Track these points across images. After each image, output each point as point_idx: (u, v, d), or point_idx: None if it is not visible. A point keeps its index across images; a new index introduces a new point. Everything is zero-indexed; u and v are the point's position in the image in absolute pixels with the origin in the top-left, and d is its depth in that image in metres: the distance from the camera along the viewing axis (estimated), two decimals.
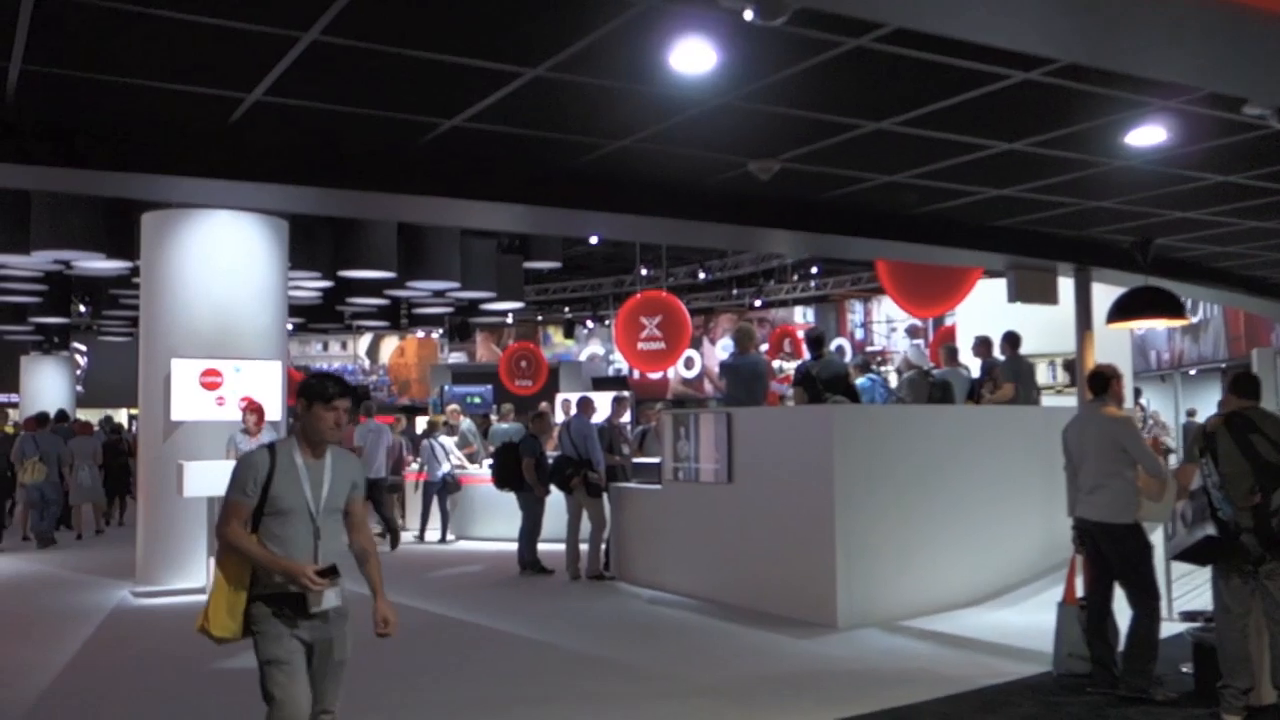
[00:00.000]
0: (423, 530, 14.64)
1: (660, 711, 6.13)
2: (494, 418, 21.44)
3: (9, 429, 16.11)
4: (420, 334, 33.70)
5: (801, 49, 4.88)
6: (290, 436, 4.04)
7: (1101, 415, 6.26)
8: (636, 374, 33.90)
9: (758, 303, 30.68)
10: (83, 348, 28.86)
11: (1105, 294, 10.38)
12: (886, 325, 29.99)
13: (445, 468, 14.37)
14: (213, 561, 9.61)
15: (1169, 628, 6.50)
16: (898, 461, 8.41)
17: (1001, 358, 10.75)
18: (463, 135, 6.19)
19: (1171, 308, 8.32)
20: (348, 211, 10.08)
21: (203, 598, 9.64)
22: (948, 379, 11.10)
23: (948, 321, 25.80)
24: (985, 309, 14.25)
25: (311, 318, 23.75)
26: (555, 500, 11.11)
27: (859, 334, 30.48)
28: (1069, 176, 7.38)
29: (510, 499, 11.56)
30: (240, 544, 3.87)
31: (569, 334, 33.26)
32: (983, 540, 9.01)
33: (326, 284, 18.08)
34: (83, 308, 24.51)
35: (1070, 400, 13.13)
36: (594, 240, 22.26)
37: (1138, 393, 13.62)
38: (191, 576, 10.22)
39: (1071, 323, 12.13)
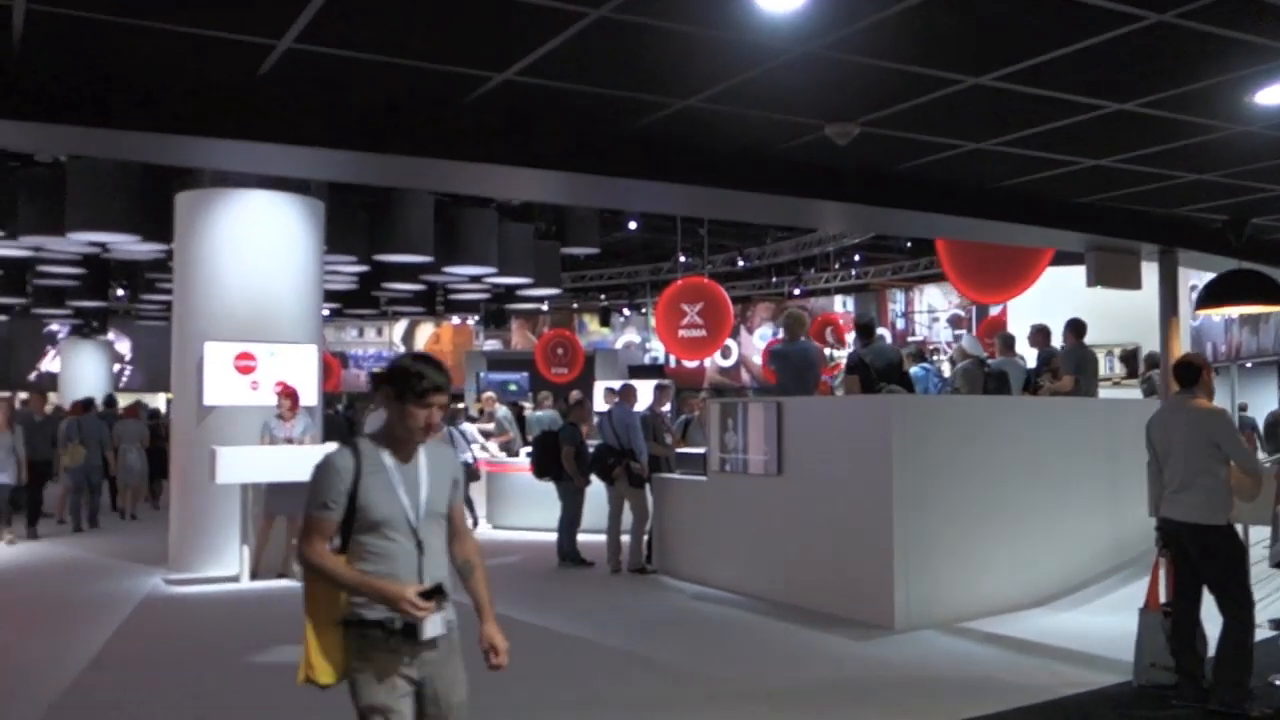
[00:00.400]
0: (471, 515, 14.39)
1: (711, 718, 5.79)
2: (528, 406, 21.21)
3: (46, 412, 15.93)
4: (456, 321, 33.54)
5: None
6: (370, 433, 3.32)
7: (1191, 407, 5.81)
8: (673, 362, 33.62)
9: (796, 291, 30.27)
10: (124, 341, 28.93)
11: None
12: (928, 315, 29.46)
13: (466, 456, 14.18)
14: (247, 550, 9.51)
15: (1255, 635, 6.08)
16: (958, 454, 8.00)
17: (1062, 347, 10.26)
18: (513, 92, 5.73)
19: (1269, 293, 7.81)
20: (386, 179, 9.29)
21: (235, 586, 9.59)
22: (1004, 369, 10.65)
23: (993, 311, 25.33)
24: (1038, 298, 13.82)
25: (347, 303, 23.61)
26: (595, 490, 10.79)
27: (900, 324, 29.96)
28: (1177, 144, 6.81)
29: (547, 488, 11.24)
30: (325, 567, 3.18)
31: (605, 322, 32.99)
32: (1045, 538, 8.59)
33: (362, 268, 17.88)
34: (120, 291, 24.57)
35: (1129, 393, 12.67)
36: (633, 225, 21.96)
37: None
38: (224, 564, 10.00)
39: (1132, 311, 11.66)
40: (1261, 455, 13.27)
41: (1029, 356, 11.16)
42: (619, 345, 33.55)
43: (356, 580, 3.15)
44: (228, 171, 11.27)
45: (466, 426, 14.91)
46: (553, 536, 11.43)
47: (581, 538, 10.91)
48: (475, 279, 19.44)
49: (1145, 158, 7.16)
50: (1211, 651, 5.67)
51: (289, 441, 9.85)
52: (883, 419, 7.74)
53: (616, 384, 20.96)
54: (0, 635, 7.89)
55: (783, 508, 8.56)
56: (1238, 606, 5.56)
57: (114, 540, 13.01)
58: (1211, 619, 5.70)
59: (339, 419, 17.95)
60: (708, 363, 31.67)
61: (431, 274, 18.95)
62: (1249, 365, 19.92)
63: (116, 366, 28.02)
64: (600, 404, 21.22)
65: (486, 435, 16.09)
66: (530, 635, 7.80)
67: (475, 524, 14.25)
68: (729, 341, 29.45)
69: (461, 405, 22.40)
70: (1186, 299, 16.08)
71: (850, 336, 23.06)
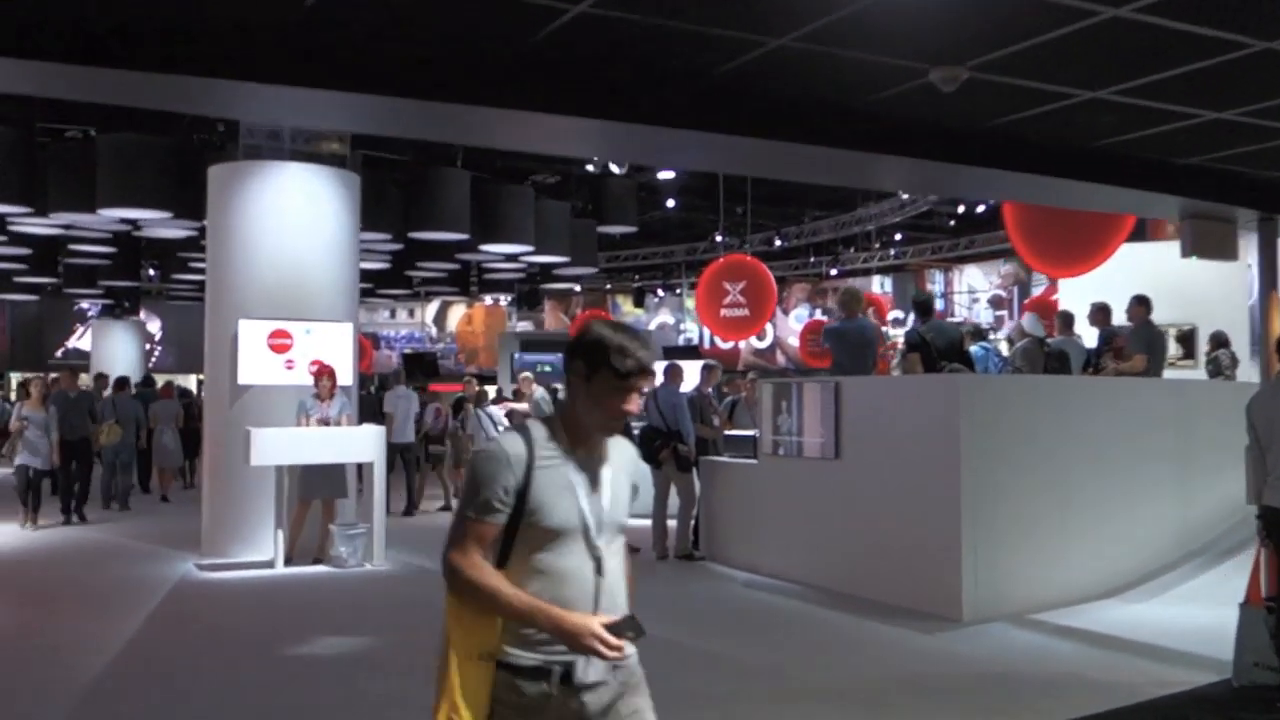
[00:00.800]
0: None
1: (774, 717, 5.43)
2: (560, 387, 20.89)
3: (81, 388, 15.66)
4: (489, 301, 33.27)
5: None
6: (540, 419, 2.62)
7: None
8: (707, 344, 33.20)
9: (834, 271, 29.75)
10: (154, 321, 28.87)
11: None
12: (968, 295, 28.87)
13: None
14: (281, 535, 9.23)
15: None
16: (1026, 437, 7.57)
17: (1130, 325, 9.77)
18: (586, 28, 5.15)
19: None
20: (440, 131, 8.26)
21: (269, 572, 9.32)
22: (1064, 348, 10.23)
23: (1035, 291, 24.73)
24: (1089, 276, 13.32)
25: (379, 283, 23.38)
26: None
27: (939, 304, 29.40)
28: None
29: None
30: (484, 585, 2.43)
31: (639, 302, 32.60)
32: (1116, 526, 8.14)
33: (396, 246, 17.59)
34: (152, 271, 24.45)
35: (1187, 374, 12.15)
36: (671, 203, 21.54)
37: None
38: (258, 549, 9.73)
39: (1189, 291, 11.11)
40: None
41: (1086, 336, 10.73)
42: (653, 326, 33.14)
43: (525, 606, 2.41)
44: (261, 145, 11.00)
45: (493, 409, 14.67)
46: None
47: None
48: (511, 258, 19.13)
49: (1272, 110, 6.52)
50: None
51: (325, 422, 9.56)
52: (950, 400, 7.32)
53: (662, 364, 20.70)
54: (31, 621, 7.66)
55: (841, 492, 8.17)
56: None
57: (145, 523, 12.79)
58: None
59: (372, 400, 17.70)
60: (742, 344, 31.25)
61: (467, 253, 18.65)
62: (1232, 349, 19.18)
63: (146, 347, 27.94)
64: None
65: (523, 416, 15.80)
66: None
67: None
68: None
69: (496, 387, 22.16)
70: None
71: (892, 316, 22.61)
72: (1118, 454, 8.21)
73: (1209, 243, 8.41)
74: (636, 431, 10.40)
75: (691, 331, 33.77)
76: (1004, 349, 11.63)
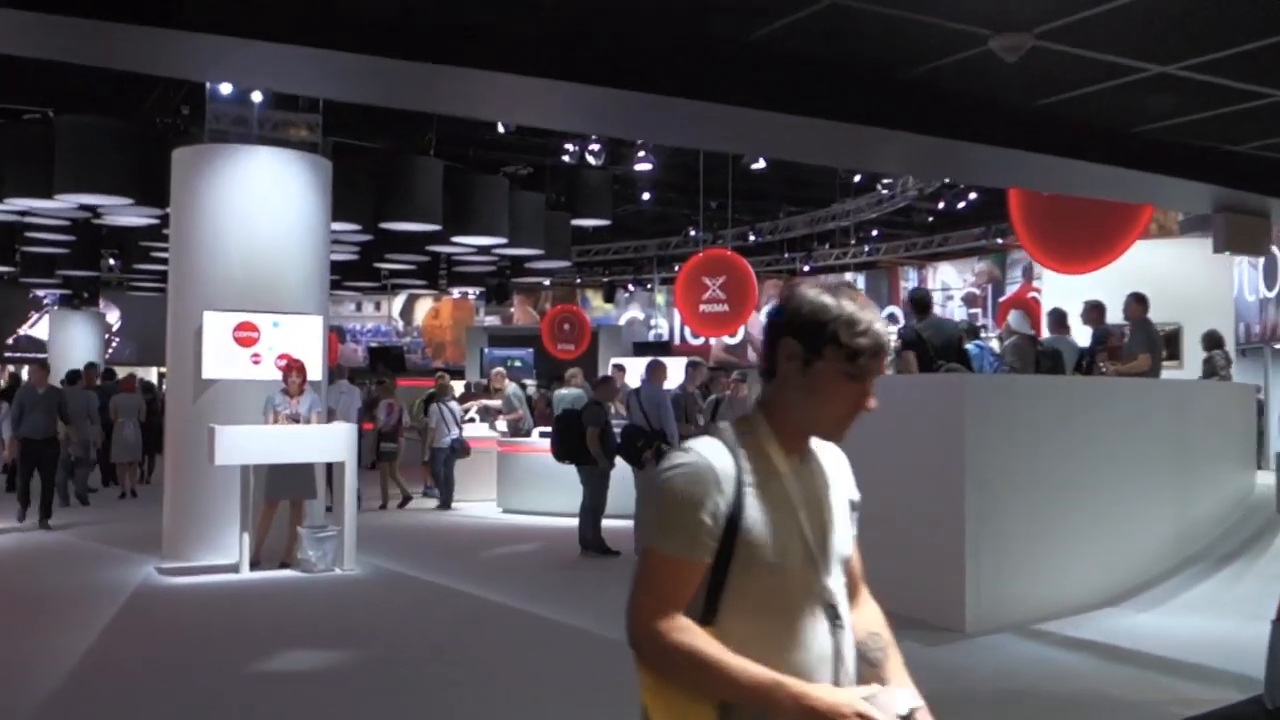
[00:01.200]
0: (446, 497, 14.04)
1: None
2: (530, 383, 20.50)
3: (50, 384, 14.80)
4: (456, 295, 32.79)
5: None
6: (738, 420, 1.96)
7: None
8: (678, 339, 32.89)
9: (806, 268, 29.53)
10: (112, 311, 28.14)
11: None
12: (942, 293, 28.73)
13: (454, 433, 13.86)
14: (247, 538, 8.79)
15: None
16: (1031, 439, 7.29)
17: (1128, 323, 9.54)
18: None
19: None
20: (422, 98, 7.32)
21: (233, 577, 8.88)
22: (1057, 347, 9.99)
23: (1009, 290, 24.67)
24: (1068, 276, 13.13)
25: (346, 275, 22.86)
26: (619, 473, 10.10)
27: None
28: None
29: (561, 470, 10.55)
30: (704, 657, 1.78)
31: (609, 298, 32.27)
32: (1118, 531, 7.89)
33: (365, 238, 17.12)
34: (112, 261, 23.77)
35: (1173, 374, 11.96)
36: (646, 196, 21.19)
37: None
38: (222, 552, 9.28)
39: (1170, 291, 10.86)
40: None
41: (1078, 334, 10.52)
42: (622, 322, 32.80)
43: (760, 682, 1.74)
44: (228, 130, 10.54)
45: (453, 404, 14.36)
46: (568, 521, 10.81)
47: (604, 523, 10.21)
48: (483, 250, 18.72)
49: None
50: None
51: (294, 420, 9.12)
52: (954, 400, 7.02)
53: (623, 360, 20.39)
54: None
55: None
56: None
57: (105, 522, 12.26)
58: None
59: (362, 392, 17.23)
60: (713, 340, 30.97)
61: (438, 244, 18.23)
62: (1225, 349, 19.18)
63: (104, 337, 27.23)
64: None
65: (495, 412, 15.43)
66: (559, 636, 7.12)
67: (448, 505, 13.85)
68: None
69: (465, 382, 21.73)
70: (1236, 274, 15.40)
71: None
72: (1120, 457, 7.96)
73: (1243, 237, 8.15)
74: (617, 430, 10.08)
75: (662, 327, 33.47)
76: (995, 347, 11.39)
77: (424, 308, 34.32)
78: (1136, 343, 9.12)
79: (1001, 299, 24.66)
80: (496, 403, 15.32)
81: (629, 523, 9.92)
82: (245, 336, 9.56)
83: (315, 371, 9.65)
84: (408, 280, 26.61)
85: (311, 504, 9.47)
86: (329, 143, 12.13)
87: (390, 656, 6.51)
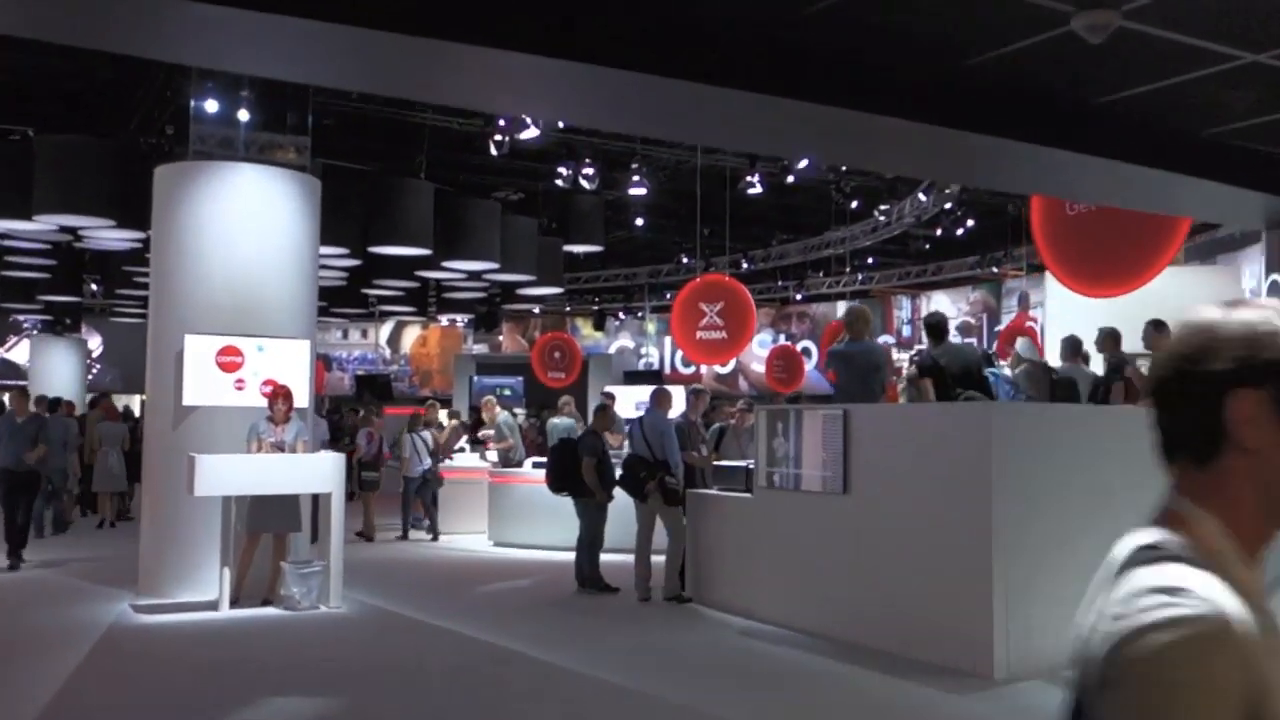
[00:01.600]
0: (404, 528, 13.76)
1: None
2: (520, 412, 20.04)
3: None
4: (445, 322, 32.39)
5: None
6: (1168, 519, 1.33)
7: None
8: (669, 368, 32.52)
9: (798, 296, 29.24)
10: (94, 337, 27.60)
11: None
12: None
13: (426, 463, 13.65)
14: (227, 573, 8.30)
15: None
16: (1062, 473, 6.90)
17: (1135, 354, 9.19)
18: None
19: None
20: (427, 86, 6.56)
21: (212, 615, 8.40)
22: (1072, 375, 9.64)
23: (1005, 320, 24.41)
24: (1060, 304, 12.80)
25: (333, 301, 22.43)
26: (616, 506, 9.70)
27: (905, 331, 28.98)
28: None
29: (555, 501, 10.13)
30: None
31: (599, 325, 31.95)
32: None
33: (353, 262, 16.72)
34: (94, 286, 23.27)
35: None
36: (640, 222, 20.85)
37: None
38: (201, 588, 8.81)
39: (1173, 320, 10.50)
40: None
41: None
42: (612, 350, 32.42)
43: None
44: (213, 151, 10.15)
45: (426, 434, 14.06)
46: (561, 555, 10.40)
47: (602, 557, 9.78)
48: (474, 275, 18.33)
49: None
50: None
51: (279, 449, 8.69)
52: (981, 430, 6.64)
53: (614, 389, 20.01)
54: None
55: (849, 531, 7.46)
56: None
57: (80, 554, 11.74)
58: None
59: (331, 421, 16.87)
60: (704, 369, 30.62)
61: (428, 269, 17.83)
62: None
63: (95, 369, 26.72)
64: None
65: (483, 442, 15.02)
66: (558, 682, 6.67)
67: (435, 536, 13.65)
68: None
69: (452, 409, 21.27)
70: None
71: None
72: (1150, 491, 7.56)
73: None
74: (620, 460, 9.68)
75: (652, 356, 33.11)
76: (1008, 374, 11.05)
77: (411, 335, 33.89)
78: None
79: (998, 328, 24.43)
80: (490, 432, 14.91)
81: (628, 557, 9.57)
82: (228, 361, 9.14)
83: (302, 398, 9.22)
84: (395, 307, 26.19)
85: (296, 538, 9.02)
86: (317, 164, 11.77)
87: (379, 703, 6.07)
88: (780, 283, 28.10)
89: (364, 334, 33.64)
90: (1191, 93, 5.80)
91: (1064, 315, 12.18)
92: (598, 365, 28.31)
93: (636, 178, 16.28)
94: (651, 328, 32.92)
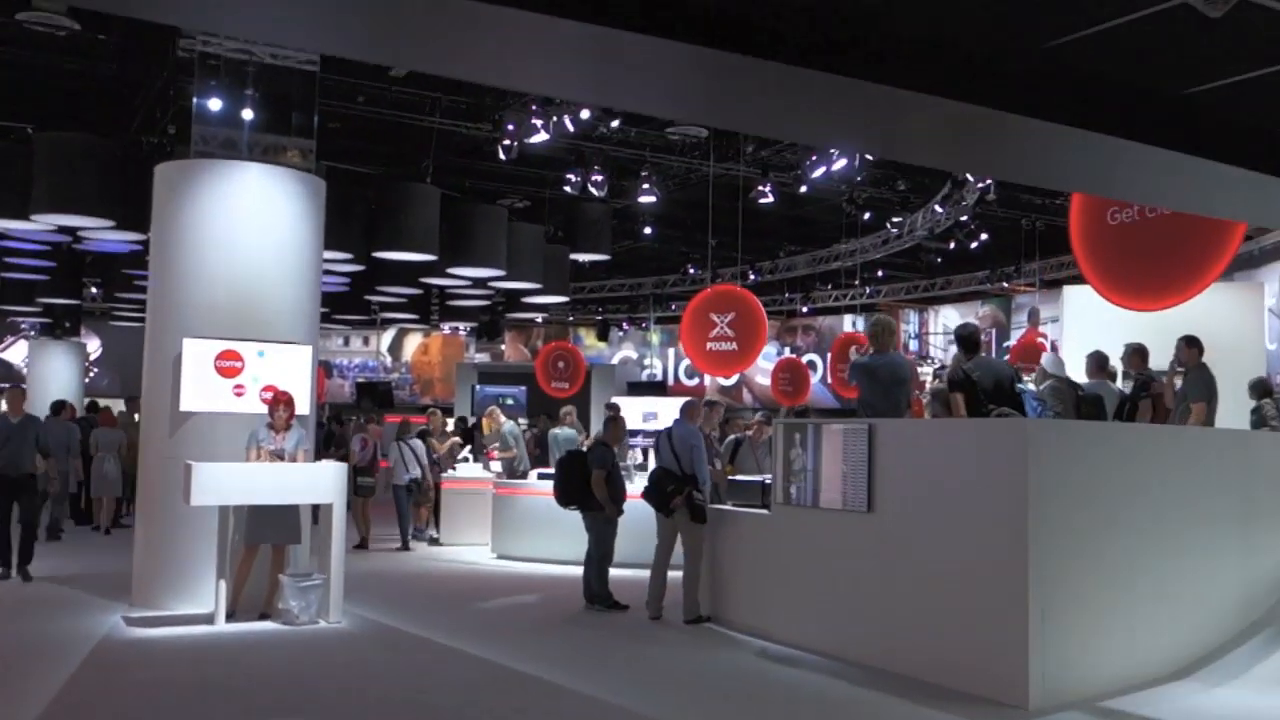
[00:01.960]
0: (403, 538, 13.59)
1: None
2: (523, 421, 19.69)
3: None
4: (447, 330, 32.10)
5: None
6: None
7: None
8: (672, 379, 32.21)
9: (804, 309, 28.96)
10: (92, 340, 27.29)
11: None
12: (944, 336, 28.17)
13: (414, 472, 13.56)
14: (224, 585, 7.96)
15: None
16: (1099, 493, 6.60)
17: (1184, 368, 8.86)
18: None
19: None
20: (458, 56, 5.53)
21: (208, 629, 8.04)
22: (1098, 392, 9.32)
23: (1015, 335, 24.08)
24: (1074, 319, 12.48)
25: (335, 308, 22.14)
26: (633, 518, 9.41)
27: (913, 345, 28.71)
28: None
29: (560, 514, 9.82)
30: None
31: (603, 336, 31.63)
32: (1185, 594, 7.20)
33: (357, 268, 16.44)
34: (94, 289, 22.98)
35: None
36: (648, 230, 20.56)
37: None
38: (196, 600, 8.51)
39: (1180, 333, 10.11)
40: None
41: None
42: (615, 361, 32.11)
43: None
44: (215, 152, 9.85)
45: (415, 443, 13.90)
46: (567, 569, 10.08)
47: (611, 573, 9.46)
48: (479, 283, 18.03)
49: None
50: None
51: (279, 457, 8.38)
52: (1016, 448, 6.32)
53: (618, 399, 19.71)
54: None
55: (875, 551, 7.14)
56: None
57: (74, 562, 11.41)
58: None
59: (321, 432, 16.59)
60: (707, 381, 30.32)
61: (432, 276, 17.54)
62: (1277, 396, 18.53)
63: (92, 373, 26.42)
64: (595, 424, 19.89)
65: (487, 451, 14.73)
66: (568, 705, 6.35)
67: (436, 541, 13.80)
68: None
69: (456, 417, 20.95)
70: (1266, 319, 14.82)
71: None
72: (1186, 512, 7.28)
73: None
74: (647, 474, 9.36)
75: (656, 367, 32.83)
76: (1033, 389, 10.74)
77: (413, 343, 33.62)
78: (1195, 390, 8.45)
79: (1007, 344, 24.13)
80: (496, 441, 14.59)
81: (637, 573, 9.26)
82: (228, 366, 8.84)
83: (303, 405, 8.91)
84: (399, 314, 25.91)
85: (295, 550, 8.70)
86: (322, 167, 11.50)
87: None
88: (787, 295, 27.83)
89: (365, 341, 33.37)
90: None
91: (1082, 331, 11.89)
92: (600, 376, 28.02)
93: (646, 185, 16.00)
94: (655, 339, 32.63)
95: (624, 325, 32.09)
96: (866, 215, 18.98)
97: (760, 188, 15.68)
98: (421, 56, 5.84)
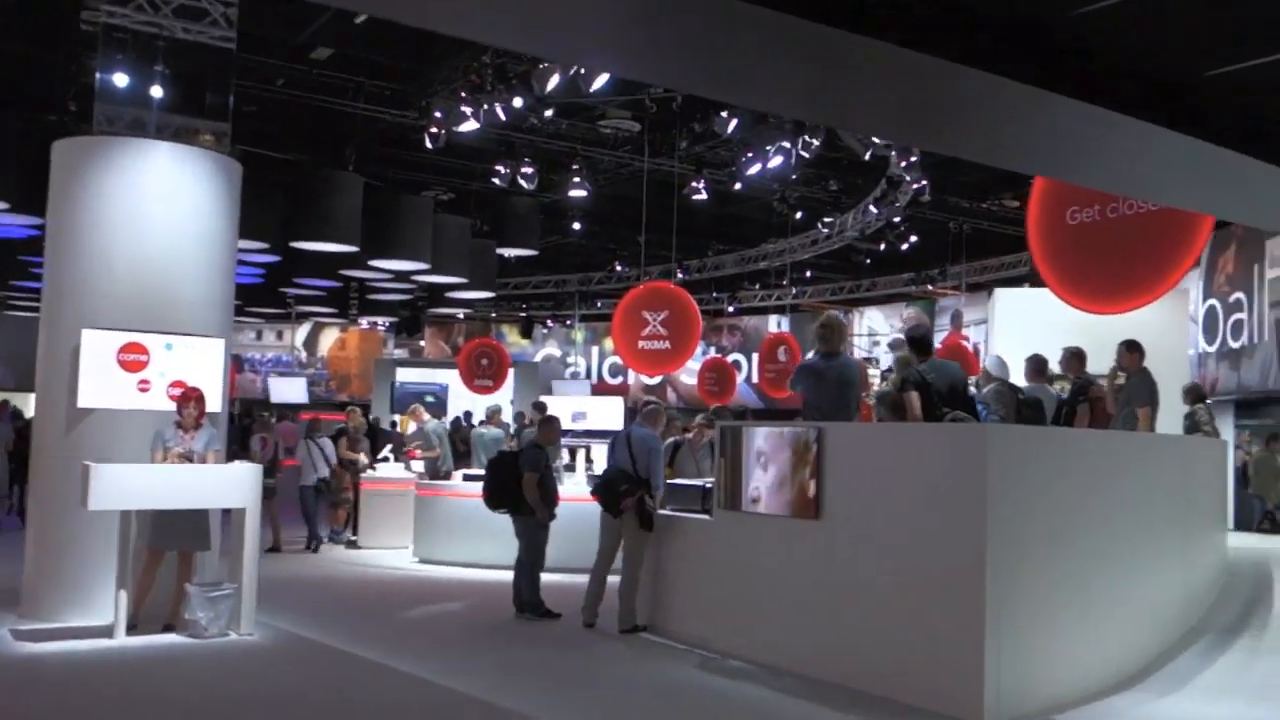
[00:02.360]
0: (310, 538, 13.13)
1: None
2: (446, 419, 19.18)
3: None
4: (365, 325, 31.34)
5: None
6: None
7: None
8: (595, 378, 31.84)
9: (731, 308, 28.85)
10: None
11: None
12: (868, 338, 28.27)
13: (323, 471, 13.18)
14: (124, 595, 7.34)
15: None
16: (1055, 500, 6.40)
17: (1125, 372, 8.77)
18: None
19: None
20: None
21: (106, 643, 7.42)
22: (1037, 396, 9.21)
23: (939, 336, 24.21)
24: (1002, 320, 12.46)
25: (248, 300, 21.40)
26: (568, 522, 9.04)
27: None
28: None
29: (486, 516, 9.42)
30: None
31: (526, 333, 31.17)
32: (1132, 601, 7.07)
33: (272, 258, 15.80)
34: None
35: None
36: (576, 226, 20.16)
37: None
38: (93, 611, 7.90)
39: (1103, 342, 10.06)
40: None
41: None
42: (539, 359, 31.65)
43: None
44: (121, 133, 9.22)
45: (324, 441, 13.42)
46: (494, 575, 9.69)
47: (543, 578, 9.06)
48: (402, 276, 17.49)
49: None
50: None
51: (187, 458, 7.81)
52: (975, 453, 6.08)
53: (545, 399, 19.33)
54: None
55: (822, 559, 6.85)
56: None
57: None
58: None
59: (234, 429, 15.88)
60: (631, 380, 30.04)
61: (352, 269, 16.95)
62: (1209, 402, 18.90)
63: None
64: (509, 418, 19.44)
65: (406, 448, 14.21)
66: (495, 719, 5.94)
67: (355, 544, 13.32)
68: None
69: (373, 417, 20.34)
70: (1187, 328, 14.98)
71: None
72: (1134, 518, 7.14)
73: None
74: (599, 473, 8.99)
75: (579, 365, 32.43)
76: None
77: (330, 338, 32.74)
78: (1139, 395, 8.34)
79: (937, 345, 24.22)
80: (418, 440, 14.07)
81: (574, 578, 8.88)
82: (131, 360, 8.23)
83: (215, 402, 8.35)
84: (316, 308, 25.17)
85: (203, 557, 8.13)
86: (237, 152, 10.90)
87: None
88: (714, 294, 27.68)
89: (279, 335, 32.39)
90: None
91: (1010, 334, 11.83)
92: (524, 374, 27.58)
93: (577, 180, 15.61)
94: (579, 337, 32.24)
95: (548, 323, 31.64)
96: (799, 214, 18.82)
97: (694, 184, 15.40)
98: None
